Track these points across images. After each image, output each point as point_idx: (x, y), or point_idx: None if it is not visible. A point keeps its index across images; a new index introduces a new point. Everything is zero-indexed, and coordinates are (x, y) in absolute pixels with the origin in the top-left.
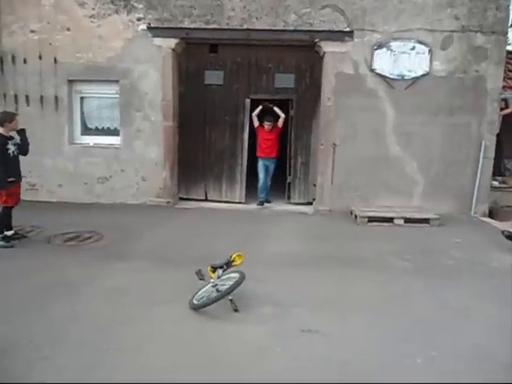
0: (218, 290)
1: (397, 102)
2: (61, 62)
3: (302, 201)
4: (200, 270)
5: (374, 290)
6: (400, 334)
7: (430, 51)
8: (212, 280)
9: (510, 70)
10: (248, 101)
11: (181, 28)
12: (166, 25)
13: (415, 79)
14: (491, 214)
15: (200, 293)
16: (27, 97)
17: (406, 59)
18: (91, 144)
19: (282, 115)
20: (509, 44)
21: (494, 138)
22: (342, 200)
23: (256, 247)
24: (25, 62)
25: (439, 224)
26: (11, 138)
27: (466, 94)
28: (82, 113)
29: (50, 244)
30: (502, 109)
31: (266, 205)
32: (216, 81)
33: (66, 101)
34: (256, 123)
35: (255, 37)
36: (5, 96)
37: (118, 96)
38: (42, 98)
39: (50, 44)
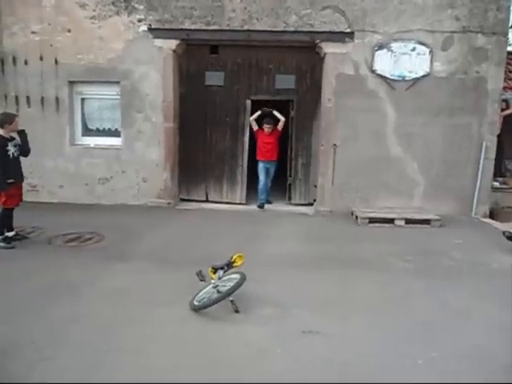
0: (218, 291)
1: (397, 103)
2: (62, 63)
3: (302, 202)
4: (201, 271)
5: (374, 290)
6: (401, 334)
7: (430, 52)
8: (213, 281)
9: (510, 71)
10: (249, 102)
11: (181, 29)
12: (166, 26)
13: (416, 80)
14: (492, 215)
15: (201, 294)
16: (28, 98)
17: (407, 60)
18: (92, 145)
19: (282, 119)
20: (509, 45)
21: (495, 139)
22: (342, 201)
23: (257, 248)
24: (26, 63)
25: (440, 225)
26: (11, 139)
27: (466, 94)
28: (83, 114)
29: (51, 245)
30: (502, 109)
31: (266, 207)
32: (217, 82)
33: (67, 102)
34: (255, 127)
35: (256, 38)
36: (6, 97)
37: (118, 97)
38: (42, 99)
39: (51, 45)
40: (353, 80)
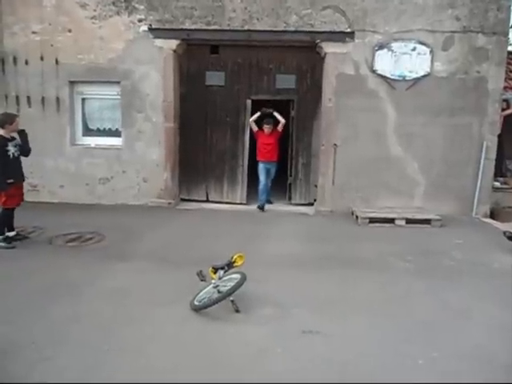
0: (219, 291)
1: (398, 103)
2: (62, 63)
3: (303, 201)
4: (201, 271)
5: (375, 290)
6: (401, 334)
7: (431, 52)
8: (213, 281)
9: (511, 71)
10: (249, 102)
11: (182, 29)
12: (167, 26)
13: (416, 80)
14: (492, 215)
15: (201, 294)
16: (29, 98)
17: (407, 60)
18: (93, 145)
19: (282, 120)
20: (510, 45)
21: (496, 139)
22: (343, 201)
23: (257, 248)
24: (26, 63)
25: (440, 225)
26: (12, 139)
27: (467, 94)
28: (84, 114)
29: (52, 245)
30: (503, 109)
31: (266, 207)
32: (217, 82)
33: (68, 102)
34: (255, 128)
35: (256, 38)
36: (6, 97)
37: (119, 97)
38: (43, 99)
39: (52, 45)
40: (353, 80)
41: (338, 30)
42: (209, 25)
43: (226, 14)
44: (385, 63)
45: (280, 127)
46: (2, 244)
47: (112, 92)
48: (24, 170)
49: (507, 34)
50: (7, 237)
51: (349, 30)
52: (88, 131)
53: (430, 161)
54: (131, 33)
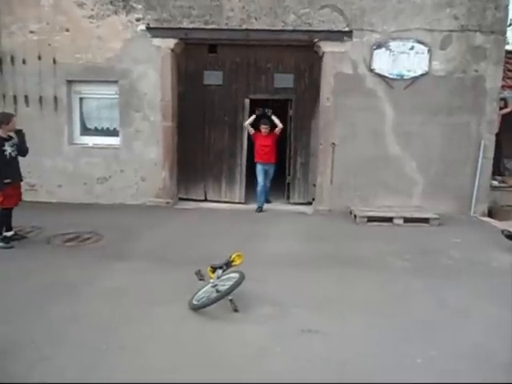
0: (217, 291)
1: (396, 102)
2: (60, 62)
3: (301, 201)
4: (200, 271)
5: (373, 289)
6: (399, 333)
7: (429, 51)
8: (212, 280)
9: (509, 70)
10: (247, 101)
11: (180, 28)
12: (165, 25)
13: (414, 79)
14: (491, 214)
15: (200, 293)
16: (26, 97)
17: (405, 59)
18: (90, 144)
19: (280, 125)
20: (508, 43)
21: (494, 138)
22: (341, 200)
23: (255, 247)
24: (24, 62)
25: (439, 224)
26: (9, 139)
27: (465, 93)
28: (82, 113)
29: (50, 244)
30: (501, 108)
31: (264, 206)
32: (215, 81)
33: (66, 101)
34: (251, 131)
35: (254, 37)
36: (4, 97)
37: (117, 96)
38: (41, 98)
39: (49, 45)
40: (351, 79)
41: (335, 29)
42: (207, 24)
43: (224, 13)
44: (383, 62)
45: (277, 131)
46: (0, 244)
47: (110, 91)
48: (22, 170)
49: (505, 32)
50: (5, 237)
51: (347, 29)
52: (86, 131)
53: (428, 160)
54: (129, 32)
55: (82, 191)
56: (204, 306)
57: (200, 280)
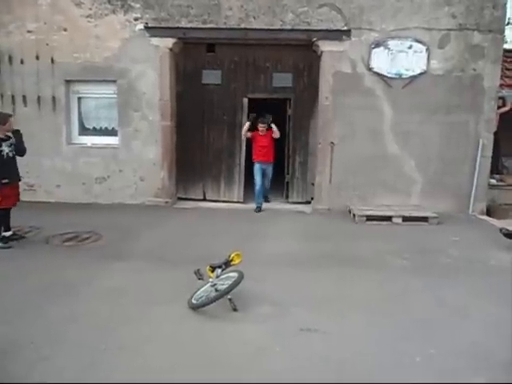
0: (216, 290)
1: (394, 101)
2: (58, 62)
3: (300, 200)
4: (199, 270)
5: (372, 288)
6: (398, 332)
7: (427, 50)
8: (211, 279)
9: (507, 69)
10: (246, 100)
11: (178, 28)
12: (163, 24)
13: (413, 78)
14: (489, 212)
15: (199, 292)
16: (24, 97)
17: (404, 58)
18: (89, 144)
19: (277, 135)
20: (506, 42)
21: (492, 137)
22: (340, 199)
23: (254, 246)
24: (22, 62)
25: (437, 222)
26: (6, 139)
27: (463, 92)
28: (80, 113)
29: (49, 244)
30: (499, 107)
31: (263, 206)
32: (214, 80)
33: (64, 101)
34: (249, 135)
35: (253, 36)
36: (2, 96)
37: (115, 96)
38: (39, 98)
39: (47, 44)
40: (350, 78)
41: (334, 28)
42: (205, 23)
43: (223, 12)
44: (381, 61)
45: (274, 136)
46: None
47: (108, 91)
48: (20, 170)
49: (503, 31)
50: (4, 237)
51: (345, 28)
52: (84, 130)
53: (427, 159)
54: (127, 31)
55: (81, 191)
56: (203, 305)
57: (199, 279)
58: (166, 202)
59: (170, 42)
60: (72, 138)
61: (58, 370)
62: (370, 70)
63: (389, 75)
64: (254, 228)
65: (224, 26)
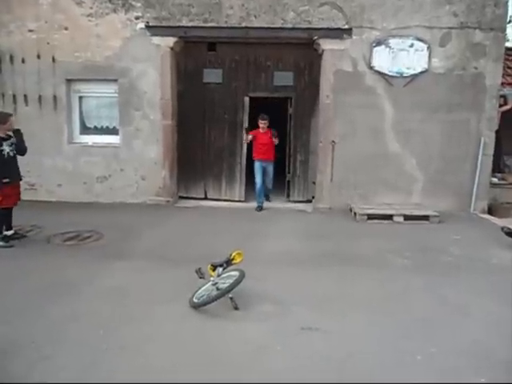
0: (218, 289)
1: (396, 100)
2: (59, 61)
3: (301, 199)
4: (200, 269)
5: (373, 287)
6: (400, 331)
7: (428, 48)
8: (212, 278)
9: (508, 67)
10: (247, 99)
11: (179, 26)
12: (164, 23)
13: (414, 76)
14: (490, 211)
15: (200, 291)
16: (25, 96)
17: (405, 56)
18: (90, 143)
19: (276, 142)
20: (507, 40)
21: (493, 135)
22: (341, 197)
23: (256, 245)
24: (23, 61)
25: (439, 221)
26: (7, 138)
27: (464, 90)
28: (81, 112)
29: (50, 244)
30: (500, 105)
31: (264, 205)
32: (215, 79)
33: (65, 100)
34: (250, 137)
35: (253, 35)
36: (3, 96)
37: (116, 95)
38: (40, 97)
39: (48, 43)
40: (351, 76)
41: (335, 26)
42: (206, 22)
43: (224, 11)
44: (382, 60)
45: (274, 142)
46: (0, 243)
47: (109, 90)
48: (21, 169)
49: (504, 29)
50: (5, 236)
51: (346, 26)
52: (85, 129)
53: (428, 157)
54: (128, 30)
55: (82, 190)
56: (204, 304)
57: (200, 278)
58: (168, 201)
59: (171, 40)
60: (73, 137)
61: (58, 370)
62: (371, 68)
63: (390, 74)
64: (255, 227)
65: (225, 25)
